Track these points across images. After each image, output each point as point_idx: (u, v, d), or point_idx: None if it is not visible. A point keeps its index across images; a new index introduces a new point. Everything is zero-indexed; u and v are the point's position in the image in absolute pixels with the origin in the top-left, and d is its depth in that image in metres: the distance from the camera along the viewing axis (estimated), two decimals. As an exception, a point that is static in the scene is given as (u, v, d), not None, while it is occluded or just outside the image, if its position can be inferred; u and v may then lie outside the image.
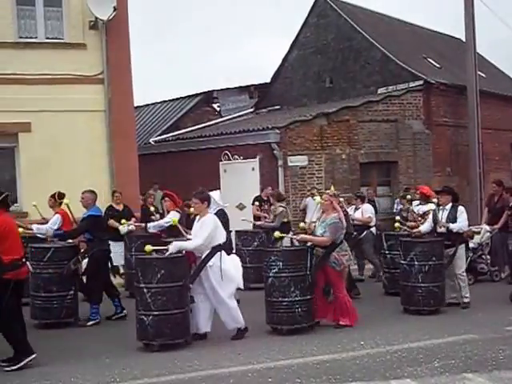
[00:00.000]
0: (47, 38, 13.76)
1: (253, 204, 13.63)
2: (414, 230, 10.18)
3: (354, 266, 12.04)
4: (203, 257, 7.93)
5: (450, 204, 9.77)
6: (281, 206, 12.53)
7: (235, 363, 6.99)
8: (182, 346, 7.67)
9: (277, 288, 8.24)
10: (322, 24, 20.98)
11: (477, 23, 17.90)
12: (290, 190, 15.36)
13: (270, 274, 8.29)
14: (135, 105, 15.63)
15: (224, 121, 21.81)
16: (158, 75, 47.85)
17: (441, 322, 8.86)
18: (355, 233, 12.23)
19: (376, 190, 16.64)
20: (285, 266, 8.21)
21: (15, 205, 12.86)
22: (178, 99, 23.12)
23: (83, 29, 13.77)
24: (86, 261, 9.58)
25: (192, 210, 9.51)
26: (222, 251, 8.04)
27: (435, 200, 10.70)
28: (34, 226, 10.02)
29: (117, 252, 10.99)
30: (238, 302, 8.47)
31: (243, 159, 16.39)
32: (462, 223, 9.63)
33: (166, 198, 10.99)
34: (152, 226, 10.86)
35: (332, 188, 9.88)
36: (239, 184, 15.81)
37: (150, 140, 20.44)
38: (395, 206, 15.50)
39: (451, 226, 9.54)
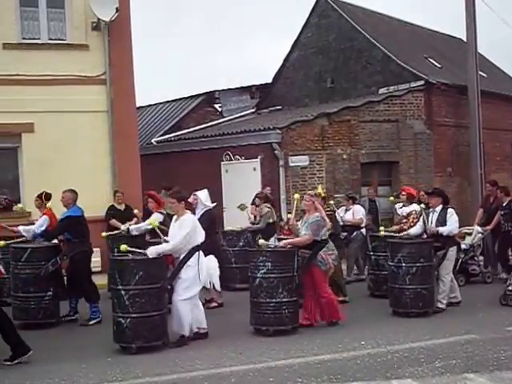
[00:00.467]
0: (50, 39, 13.81)
1: (252, 203, 13.61)
2: (403, 233, 10.10)
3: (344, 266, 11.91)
4: (181, 258, 7.83)
5: (440, 206, 9.61)
6: (266, 207, 12.49)
7: (236, 362, 7.00)
8: (160, 348, 7.59)
9: (264, 289, 8.16)
10: (323, 24, 20.99)
11: (478, 23, 17.94)
12: (291, 190, 15.39)
13: (258, 275, 8.20)
14: (137, 105, 15.67)
15: (226, 121, 21.83)
16: (160, 76, 47.87)
17: (442, 322, 8.85)
18: (345, 233, 12.25)
19: (377, 190, 16.64)
20: (273, 266, 8.14)
21: (18, 205, 12.91)
22: (179, 100, 23.15)
23: (86, 30, 13.83)
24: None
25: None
26: (200, 252, 7.94)
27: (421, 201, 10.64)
28: (21, 228, 9.91)
29: None
30: (204, 304, 8.43)
31: (245, 159, 16.41)
32: (451, 226, 9.45)
33: (150, 199, 10.81)
34: (134, 229, 10.68)
35: (319, 188, 9.86)
36: (241, 184, 15.86)
37: (152, 140, 20.47)
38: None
39: (441, 229, 9.40)
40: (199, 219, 9.57)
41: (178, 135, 20.37)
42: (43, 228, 9.74)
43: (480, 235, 12.01)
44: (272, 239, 11.28)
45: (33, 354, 7.22)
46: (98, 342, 8.15)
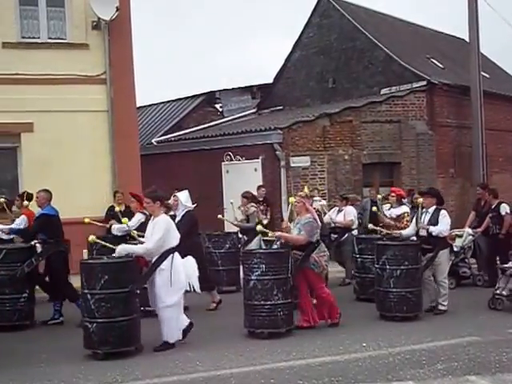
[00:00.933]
0: (50, 38, 13.76)
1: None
2: (396, 232, 10.03)
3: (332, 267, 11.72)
4: (153, 260, 7.60)
5: (434, 207, 9.51)
6: (253, 207, 12.41)
7: (237, 364, 6.96)
8: (132, 354, 7.37)
9: (259, 291, 8.02)
10: (325, 24, 20.94)
11: (480, 23, 17.91)
12: (292, 190, 15.32)
13: (253, 277, 8.07)
14: (138, 105, 15.61)
15: (226, 121, 21.80)
16: (160, 76, 47.89)
17: (443, 324, 8.80)
18: (335, 235, 12.06)
19: (378, 191, 16.56)
20: (268, 268, 8.02)
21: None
22: (180, 99, 23.12)
23: (86, 29, 13.79)
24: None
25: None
26: (175, 254, 7.69)
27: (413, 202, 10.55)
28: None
29: None
30: (187, 308, 8.29)
31: (245, 160, 16.37)
32: (442, 227, 9.33)
33: (133, 199, 10.56)
34: (116, 229, 10.34)
35: (306, 189, 9.79)
36: (242, 185, 15.75)
37: (153, 140, 20.43)
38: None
39: (431, 228, 9.29)
40: (180, 220, 9.52)
41: (178, 135, 20.33)
42: (21, 227, 9.74)
43: (471, 237, 11.93)
44: (256, 239, 11.23)
45: (30, 356, 7.20)
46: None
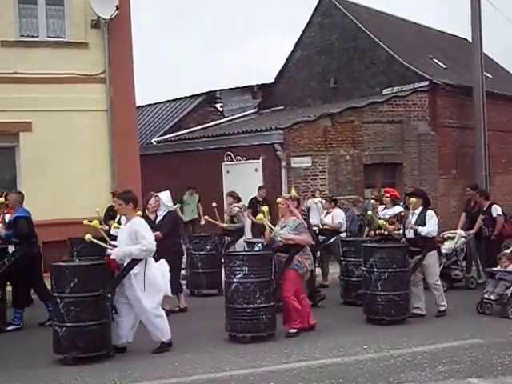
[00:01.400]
0: (49, 37, 13.67)
1: (248, 207, 13.36)
2: (395, 232, 9.93)
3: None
4: (125, 264, 7.40)
5: (420, 208, 9.42)
6: (237, 207, 12.31)
7: (237, 366, 6.91)
8: (102, 358, 7.21)
9: (241, 294, 7.89)
10: (327, 24, 20.88)
11: (483, 23, 17.80)
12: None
13: (235, 280, 7.93)
14: (137, 104, 15.55)
15: (227, 121, 21.76)
16: (160, 75, 47.86)
17: (445, 326, 8.75)
18: (323, 237, 11.89)
19: (380, 192, 16.49)
20: (250, 271, 7.88)
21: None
22: (180, 99, 23.10)
23: (85, 28, 13.71)
24: None
25: None
26: (149, 258, 7.50)
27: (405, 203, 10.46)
28: None
29: None
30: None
31: (246, 160, 16.29)
32: (430, 227, 9.23)
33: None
34: (116, 230, 10.39)
35: (293, 191, 9.69)
36: (242, 185, 15.68)
37: (152, 140, 20.41)
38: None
39: (420, 228, 9.19)
40: (162, 220, 9.49)
41: (178, 135, 20.30)
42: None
43: (463, 239, 11.82)
44: (241, 240, 11.10)
45: (28, 358, 7.18)
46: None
